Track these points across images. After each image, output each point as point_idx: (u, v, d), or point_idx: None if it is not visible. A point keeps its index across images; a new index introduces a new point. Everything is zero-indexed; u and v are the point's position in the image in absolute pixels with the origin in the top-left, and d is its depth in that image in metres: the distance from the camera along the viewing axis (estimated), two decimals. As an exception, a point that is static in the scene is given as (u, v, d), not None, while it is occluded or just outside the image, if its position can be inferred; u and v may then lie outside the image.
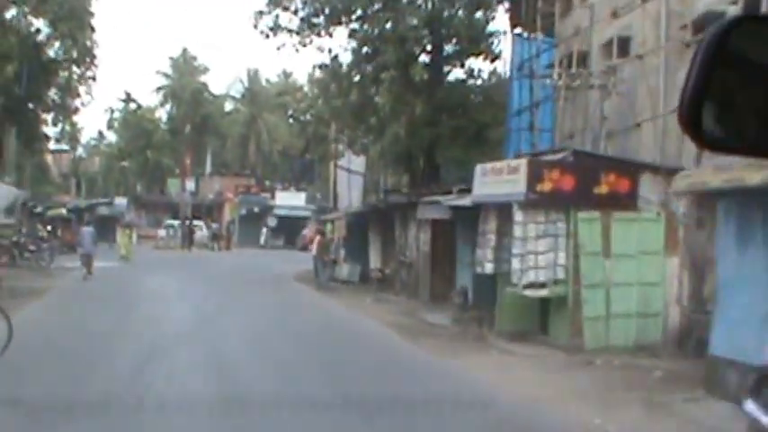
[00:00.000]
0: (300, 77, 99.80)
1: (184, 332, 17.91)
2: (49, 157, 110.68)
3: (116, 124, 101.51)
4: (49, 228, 46.42)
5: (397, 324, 20.32)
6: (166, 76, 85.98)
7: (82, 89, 56.22)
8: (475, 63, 34.46)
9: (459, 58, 34.29)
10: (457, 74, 34.44)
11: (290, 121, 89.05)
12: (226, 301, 24.79)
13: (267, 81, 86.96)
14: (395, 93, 32.92)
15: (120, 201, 72.90)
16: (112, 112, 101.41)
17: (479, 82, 35.54)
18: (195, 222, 63.28)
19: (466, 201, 19.20)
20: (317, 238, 34.96)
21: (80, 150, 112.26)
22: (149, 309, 22.01)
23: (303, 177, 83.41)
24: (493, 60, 34.86)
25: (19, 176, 54.19)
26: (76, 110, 59.36)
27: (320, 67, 34.95)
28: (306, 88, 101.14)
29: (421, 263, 26.26)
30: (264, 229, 67.72)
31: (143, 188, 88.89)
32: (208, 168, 66.11)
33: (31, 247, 36.24)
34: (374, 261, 31.67)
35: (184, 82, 79.68)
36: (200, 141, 77.58)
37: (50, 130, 63.78)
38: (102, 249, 57.56)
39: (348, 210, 38.63)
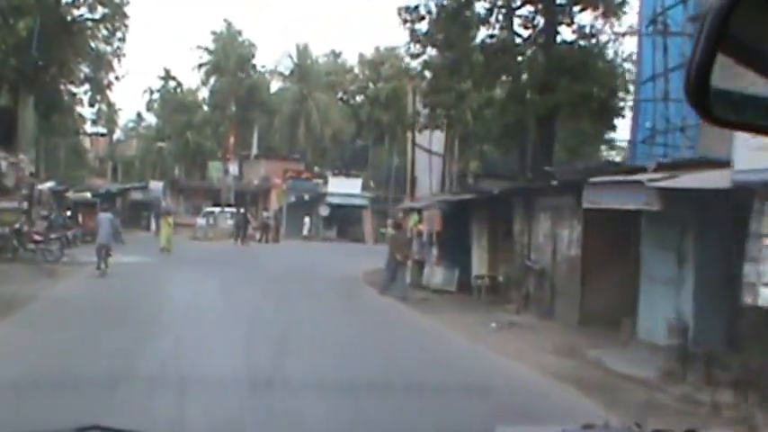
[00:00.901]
0: (350, 58, 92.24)
1: (233, 385, 10.29)
2: (86, 141, 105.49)
3: (155, 105, 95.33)
4: (68, 213, 39.13)
5: (570, 376, 12.58)
6: (209, 51, 78.72)
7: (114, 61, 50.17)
8: (587, 19, 28.04)
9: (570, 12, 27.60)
10: (566, 35, 27.74)
11: (340, 103, 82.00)
12: (290, 323, 16.96)
13: (316, 60, 79.40)
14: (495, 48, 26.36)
15: (156, 185, 65.73)
16: (152, 92, 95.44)
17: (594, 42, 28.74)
18: (235, 210, 55.96)
19: (710, 181, 11.29)
20: (391, 232, 27.63)
21: (118, 133, 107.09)
22: (176, 337, 14.28)
23: (354, 163, 76.07)
24: (611, 15, 28.29)
25: (38, 155, 47.02)
26: (110, 85, 52.58)
27: (408, 9, 27.21)
28: (356, 69, 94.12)
29: (564, 271, 18.49)
30: (307, 219, 60.13)
31: (181, 172, 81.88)
32: (254, 150, 58.30)
33: (37, 237, 28.94)
34: (479, 265, 23.87)
35: (228, 51, 72.14)
36: (245, 119, 70.10)
37: (86, 111, 57.46)
38: (134, 239, 50.98)
39: (435, 197, 30.94)
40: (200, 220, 57.99)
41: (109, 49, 48.07)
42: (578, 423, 2.51)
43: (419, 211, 29.83)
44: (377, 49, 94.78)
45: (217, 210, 58.00)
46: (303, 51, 76.68)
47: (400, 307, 22.05)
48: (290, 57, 75.79)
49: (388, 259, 24.37)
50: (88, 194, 44.77)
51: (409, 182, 34.22)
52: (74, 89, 50.45)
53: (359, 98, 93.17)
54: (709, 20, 1.60)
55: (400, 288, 23.46)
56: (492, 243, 23.44)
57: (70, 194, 45.62)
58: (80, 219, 40.80)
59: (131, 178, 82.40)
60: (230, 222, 52.34)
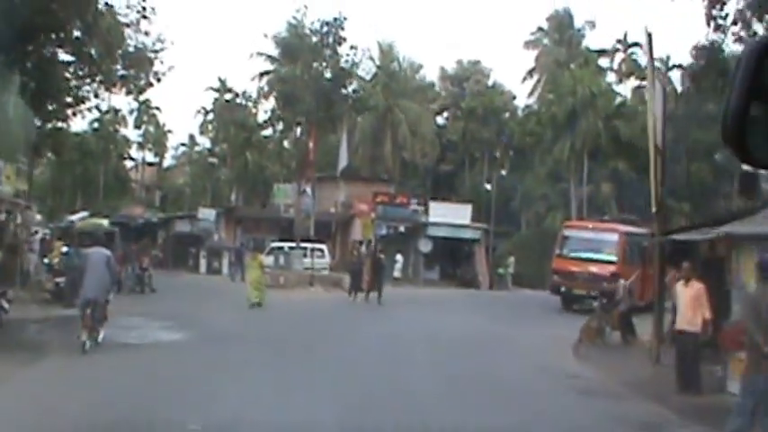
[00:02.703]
0: (429, 74, 77.93)
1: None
2: (131, 168, 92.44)
3: (210, 128, 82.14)
4: (64, 249, 24.84)
5: None
6: (271, 59, 64.56)
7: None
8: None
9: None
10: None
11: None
12: None
13: (404, 61, 65.17)
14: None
15: (207, 213, 51.67)
16: (206, 113, 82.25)
17: None
18: (314, 246, 41.30)
19: None
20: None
21: (168, 160, 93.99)
22: None
23: (436, 191, 61.83)
24: None
25: (32, 164, 33.21)
26: (149, 85, 39.02)
27: None
28: (437, 86, 79.92)
29: None
30: (399, 257, 45.35)
31: (239, 199, 68.11)
32: (342, 162, 42.35)
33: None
34: None
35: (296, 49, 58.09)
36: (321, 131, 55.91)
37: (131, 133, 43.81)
38: (177, 285, 37.20)
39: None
40: (268, 259, 43.92)
41: (147, 41, 35.64)
42: None
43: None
44: (459, 62, 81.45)
45: (286, 246, 43.73)
46: (388, 51, 62.47)
47: None
48: (372, 58, 61.48)
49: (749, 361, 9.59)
50: (104, 223, 30.45)
51: (656, 201, 19.16)
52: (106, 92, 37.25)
53: (442, 116, 79.99)
54: (743, 65, 1.61)
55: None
56: None
57: (82, 224, 31.68)
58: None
59: (180, 208, 68.52)
60: (306, 262, 37.90)
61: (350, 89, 41.45)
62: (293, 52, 42.44)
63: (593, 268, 29.08)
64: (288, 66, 42.70)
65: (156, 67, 35.81)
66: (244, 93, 71.55)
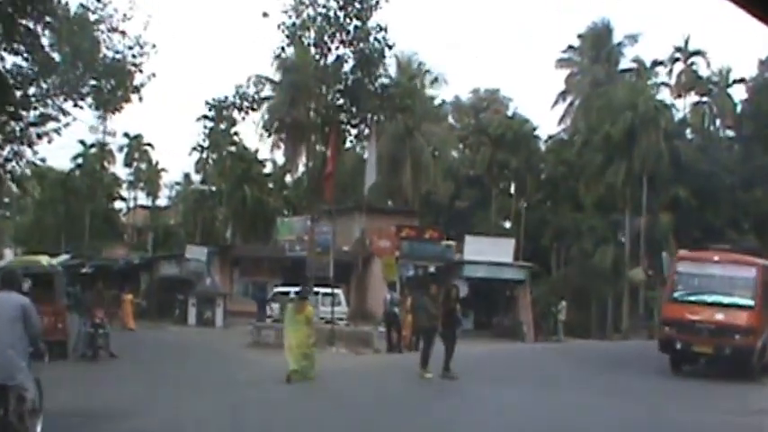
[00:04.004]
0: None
1: None
2: (122, 211, 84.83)
3: (206, 166, 74.52)
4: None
5: None
6: (271, 82, 56.58)
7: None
8: None
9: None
10: None
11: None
12: None
13: (425, 75, 57.18)
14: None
15: (196, 251, 43.64)
16: (201, 150, 74.38)
17: None
18: (326, 290, 32.99)
19: None
20: None
21: (163, 200, 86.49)
22: None
23: (452, 228, 53.96)
24: None
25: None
26: (126, 99, 31.68)
27: None
28: (450, 119, 72.36)
29: None
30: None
31: (236, 237, 60.33)
32: (370, 179, 32.37)
33: None
34: None
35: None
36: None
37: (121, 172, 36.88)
38: (159, 342, 28.96)
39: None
40: (273, 308, 35.86)
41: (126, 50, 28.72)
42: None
43: None
44: (475, 91, 74.09)
45: (292, 291, 35.75)
46: (406, 65, 54.67)
47: None
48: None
49: None
50: (44, 260, 22.18)
51: None
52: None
53: (462, 148, 72.36)
54: None
55: None
56: None
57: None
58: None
59: (171, 250, 60.29)
60: (323, 310, 29.59)
61: (377, 84, 32.65)
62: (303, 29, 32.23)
63: (721, 316, 21.02)
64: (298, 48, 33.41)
65: (138, 79, 28.76)
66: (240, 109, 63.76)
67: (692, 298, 21.66)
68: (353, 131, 32.64)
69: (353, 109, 32.04)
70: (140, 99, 29.26)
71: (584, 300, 45.86)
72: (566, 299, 42.07)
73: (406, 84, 44.80)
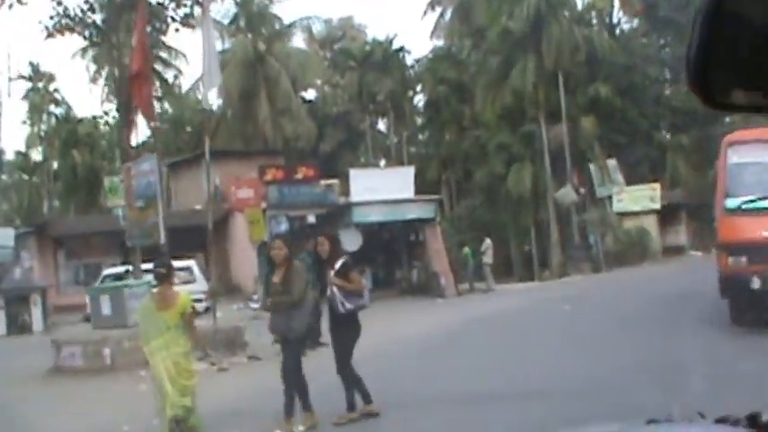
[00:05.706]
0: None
1: None
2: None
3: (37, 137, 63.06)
4: None
5: None
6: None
7: None
8: None
9: None
10: None
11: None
12: None
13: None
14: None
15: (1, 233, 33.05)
16: (32, 124, 63.19)
17: None
18: (172, 263, 23.20)
19: None
20: None
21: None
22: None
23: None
24: None
25: None
26: None
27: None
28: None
29: None
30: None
31: (64, 210, 49.92)
32: (215, 80, 22.09)
33: None
34: None
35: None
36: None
37: None
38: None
39: None
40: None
41: None
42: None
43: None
44: (327, 22, 64.24)
45: (123, 269, 25.99)
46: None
47: None
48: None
49: None
50: None
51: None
52: None
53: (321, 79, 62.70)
54: (705, 4, 1.61)
55: None
56: None
57: None
58: None
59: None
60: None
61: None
62: None
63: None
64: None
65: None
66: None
67: (766, 203, 12.82)
68: (179, 12, 22.01)
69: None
70: None
71: (500, 235, 37.25)
72: (480, 236, 33.36)
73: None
